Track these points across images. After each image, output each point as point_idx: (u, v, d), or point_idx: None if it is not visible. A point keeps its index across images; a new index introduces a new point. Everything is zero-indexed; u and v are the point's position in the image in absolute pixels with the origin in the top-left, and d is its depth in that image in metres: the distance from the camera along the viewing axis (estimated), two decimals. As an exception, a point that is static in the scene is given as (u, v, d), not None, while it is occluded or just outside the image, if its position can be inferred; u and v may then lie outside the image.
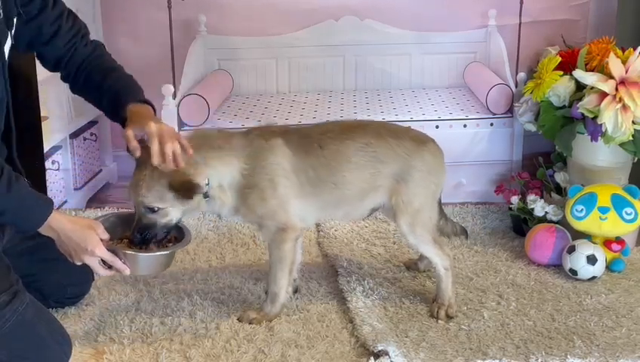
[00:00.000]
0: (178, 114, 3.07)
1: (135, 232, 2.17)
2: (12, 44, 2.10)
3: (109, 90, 2.20)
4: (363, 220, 3.08)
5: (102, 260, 2.06)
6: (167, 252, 2.21)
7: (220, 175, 2.23)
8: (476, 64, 3.17)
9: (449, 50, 3.14)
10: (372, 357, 2.12)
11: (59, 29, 2.19)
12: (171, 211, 2.17)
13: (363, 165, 2.32)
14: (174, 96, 3.06)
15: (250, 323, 2.32)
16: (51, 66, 2.28)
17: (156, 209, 2.15)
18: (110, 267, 2.09)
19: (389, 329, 2.28)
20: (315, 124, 2.46)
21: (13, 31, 2.08)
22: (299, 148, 2.29)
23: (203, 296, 2.50)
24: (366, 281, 2.58)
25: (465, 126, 3.17)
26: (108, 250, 2.07)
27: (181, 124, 3.07)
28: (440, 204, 2.52)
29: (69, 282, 2.36)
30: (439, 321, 2.35)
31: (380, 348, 2.14)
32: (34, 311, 2.02)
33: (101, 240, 2.06)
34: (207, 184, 2.20)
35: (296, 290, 2.50)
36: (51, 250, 2.20)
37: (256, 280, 2.62)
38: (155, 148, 2.04)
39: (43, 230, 2.01)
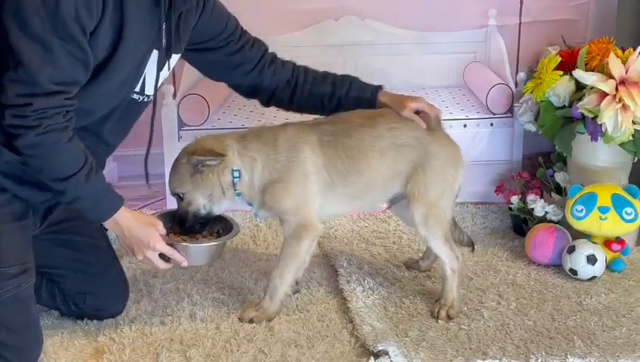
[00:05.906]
0: (178, 114, 3.06)
1: (175, 224, 2.30)
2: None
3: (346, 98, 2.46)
4: (363, 220, 3.09)
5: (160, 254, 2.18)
6: (216, 243, 2.31)
7: (251, 169, 2.29)
8: (476, 64, 3.16)
9: (449, 50, 3.14)
10: (372, 357, 2.12)
11: (243, 60, 2.44)
12: (195, 197, 2.26)
13: (386, 151, 2.33)
14: (174, 96, 3.05)
15: (250, 322, 2.32)
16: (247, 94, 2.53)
17: (181, 195, 2.27)
18: (167, 260, 2.19)
19: (389, 329, 2.28)
20: (339, 114, 2.45)
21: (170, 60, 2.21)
22: (329, 142, 2.32)
23: (203, 296, 2.51)
24: (366, 281, 2.58)
25: (465, 126, 3.16)
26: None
27: (181, 124, 3.06)
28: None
29: (90, 290, 2.32)
30: (439, 321, 2.35)
31: (380, 348, 2.14)
32: (31, 295, 2.09)
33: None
34: (238, 177, 2.27)
35: (296, 291, 2.50)
36: (85, 253, 2.31)
37: (256, 280, 2.62)
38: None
39: (109, 224, 2.12)
